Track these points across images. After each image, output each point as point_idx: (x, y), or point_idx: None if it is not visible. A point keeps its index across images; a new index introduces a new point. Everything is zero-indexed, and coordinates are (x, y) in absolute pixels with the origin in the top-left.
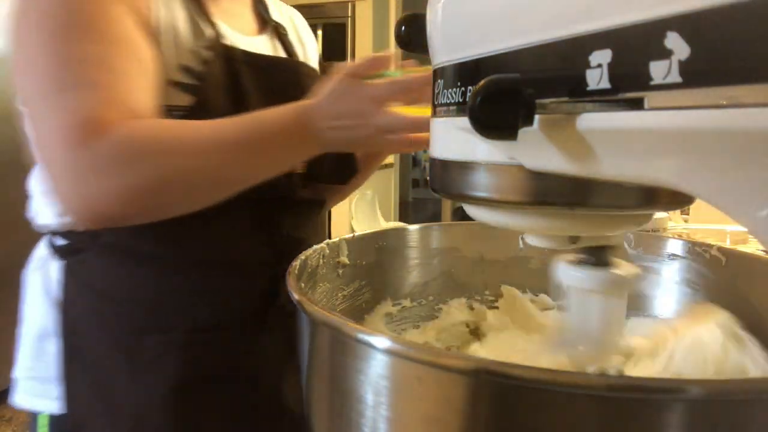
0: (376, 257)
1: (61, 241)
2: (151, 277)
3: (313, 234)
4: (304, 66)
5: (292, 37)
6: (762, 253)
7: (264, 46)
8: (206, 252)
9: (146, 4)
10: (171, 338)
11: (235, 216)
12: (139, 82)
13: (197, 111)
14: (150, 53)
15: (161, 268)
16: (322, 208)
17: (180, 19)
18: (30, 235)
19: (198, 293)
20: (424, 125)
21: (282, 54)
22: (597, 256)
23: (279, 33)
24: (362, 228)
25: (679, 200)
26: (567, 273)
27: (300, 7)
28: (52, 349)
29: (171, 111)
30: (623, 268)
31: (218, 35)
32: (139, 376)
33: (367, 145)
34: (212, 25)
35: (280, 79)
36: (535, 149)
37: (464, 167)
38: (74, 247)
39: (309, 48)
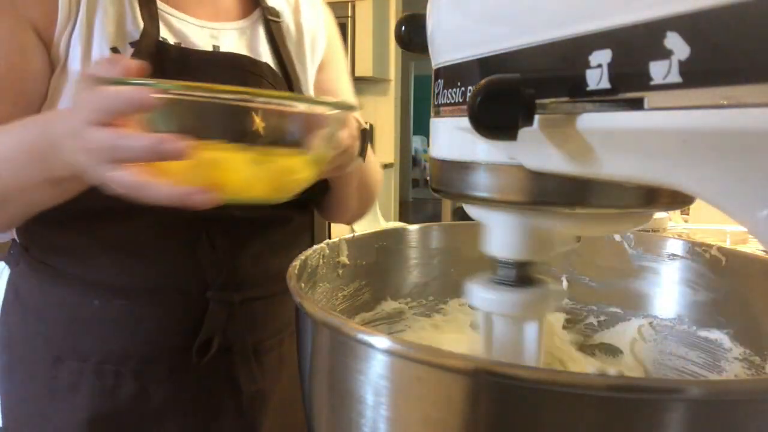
0: (376, 257)
1: (11, 251)
2: (66, 298)
3: (260, 261)
4: (255, 64)
5: (288, 20)
6: (762, 253)
7: (231, 36)
8: (120, 275)
9: (45, 8)
10: (85, 367)
11: (154, 235)
12: None
13: None
14: (31, 61)
15: (76, 289)
16: (269, 230)
17: (108, 13)
18: None
19: (111, 320)
20: (152, 151)
21: (260, 45)
22: (516, 273)
23: (267, 19)
24: (362, 228)
25: (679, 200)
26: (478, 296)
27: None
28: None
29: None
30: (544, 287)
31: (150, 29)
32: (57, 404)
33: (101, 179)
34: (151, 17)
35: (220, 79)
36: (535, 149)
37: (464, 167)
38: (15, 259)
39: (308, 32)
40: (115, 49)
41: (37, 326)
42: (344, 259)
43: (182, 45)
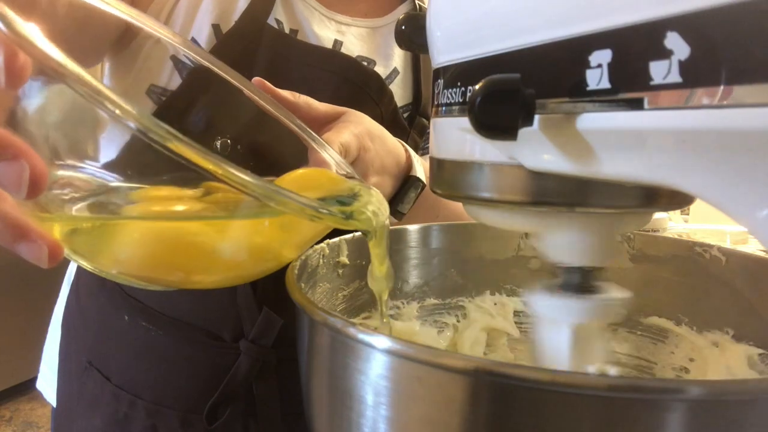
0: None
1: None
2: (105, 304)
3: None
4: (364, 73)
5: None
6: (762, 253)
7: (358, 34)
8: (152, 295)
9: None
10: (106, 386)
11: None
12: None
13: (180, 95)
14: None
15: (114, 298)
16: None
17: None
18: None
19: (134, 341)
20: None
21: (392, 47)
22: (580, 279)
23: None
24: None
25: (679, 200)
26: (545, 304)
27: None
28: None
29: (154, 90)
30: (611, 292)
31: (256, 8)
32: (82, 411)
33: None
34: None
35: (310, 82)
36: (535, 149)
37: (464, 167)
38: None
39: None
40: (216, 27)
41: (80, 322)
42: (344, 259)
43: (297, 33)
